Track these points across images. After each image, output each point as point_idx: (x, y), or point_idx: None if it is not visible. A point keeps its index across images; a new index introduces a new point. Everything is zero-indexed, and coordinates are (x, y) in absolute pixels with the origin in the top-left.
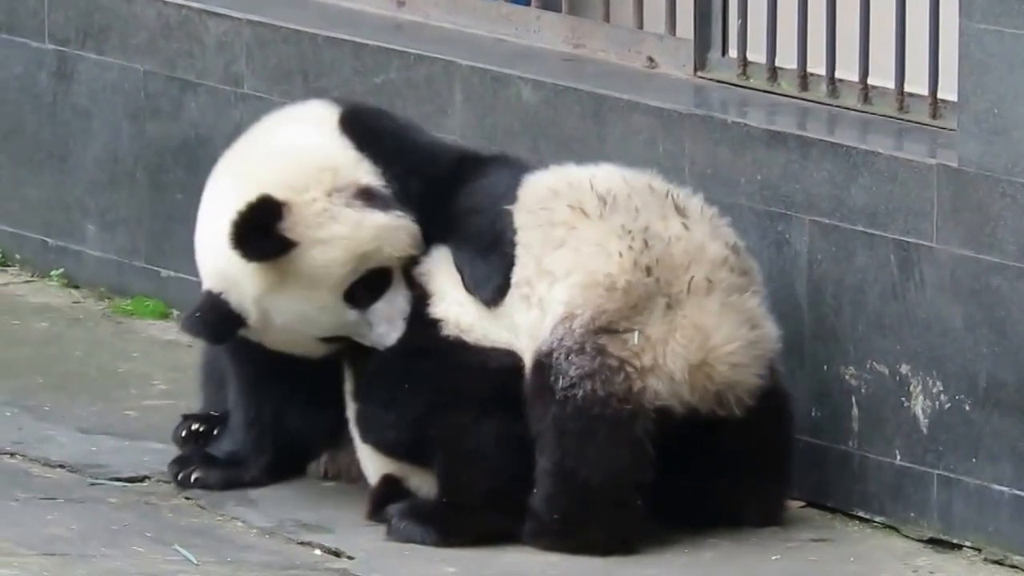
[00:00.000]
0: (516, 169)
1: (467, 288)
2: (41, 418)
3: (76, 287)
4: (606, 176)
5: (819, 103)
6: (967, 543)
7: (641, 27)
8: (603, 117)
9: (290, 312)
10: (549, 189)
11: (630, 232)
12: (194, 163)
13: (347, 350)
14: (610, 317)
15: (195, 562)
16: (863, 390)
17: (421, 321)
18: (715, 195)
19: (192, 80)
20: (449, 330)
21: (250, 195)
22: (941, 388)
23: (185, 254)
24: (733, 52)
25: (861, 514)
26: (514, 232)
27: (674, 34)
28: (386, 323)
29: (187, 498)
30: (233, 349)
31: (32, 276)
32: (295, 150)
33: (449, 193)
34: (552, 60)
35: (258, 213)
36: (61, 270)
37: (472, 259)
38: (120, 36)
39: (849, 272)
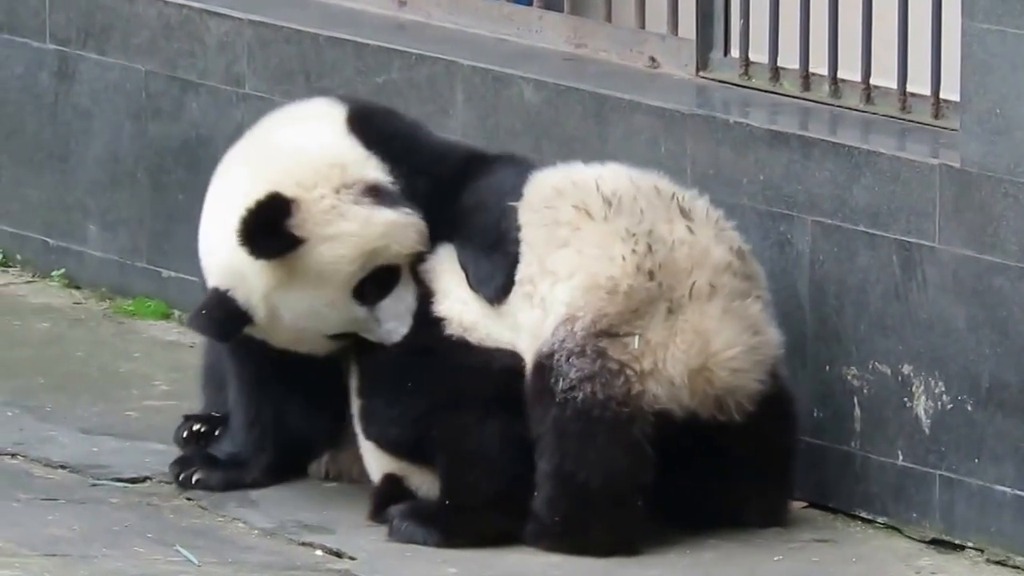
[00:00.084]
0: (523, 167)
1: (471, 285)
2: (42, 419)
3: (77, 287)
4: (612, 176)
5: (821, 103)
6: (969, 544)
7: (643, 27)
8: (605, 117)
9: (298, 309)
10: (554, 188)
11: (634, 235)
12: (195, 163)
13: (351, 347)
14: (611, 320)
15: (196, 563)
16: (865, 390)
17: (425, 319)
18: (717, 195)
19: (193, 80)
20: (452, 329)
21: (258, 192)
22: (943, 388)
23: (187, 254)
24: (735, 52)
25: (863, 515)
26: (518, 229)
27: (676, 34)
28: (394, 319)
29: (188, 499)
30: (234, 349)
31: (33, 276)
32: (303, 147)
33: (456, 191)
34: (554, 60)
35: (267, 210)
36: (62, 270)
37: (476, 256)
38: (121, 36)
39: (851, 272)
